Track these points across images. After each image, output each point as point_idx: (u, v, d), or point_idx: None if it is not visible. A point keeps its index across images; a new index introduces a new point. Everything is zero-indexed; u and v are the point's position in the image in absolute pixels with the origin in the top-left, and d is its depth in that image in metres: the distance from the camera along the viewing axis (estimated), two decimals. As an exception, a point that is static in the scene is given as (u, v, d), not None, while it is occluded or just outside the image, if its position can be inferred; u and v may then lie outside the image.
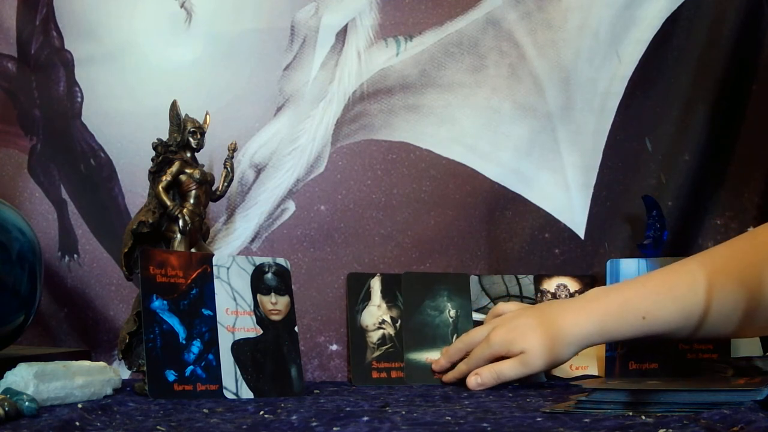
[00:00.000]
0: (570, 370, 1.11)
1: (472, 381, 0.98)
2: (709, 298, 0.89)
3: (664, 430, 0.66)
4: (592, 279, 1.17)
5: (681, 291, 0.91)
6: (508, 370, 0.96)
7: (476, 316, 1.12)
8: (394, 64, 1.21)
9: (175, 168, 1.00)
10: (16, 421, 0.73)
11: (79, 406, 0.78)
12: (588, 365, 1.12)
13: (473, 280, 1.14)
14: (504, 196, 1.21)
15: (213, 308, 0.95)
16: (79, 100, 1.20)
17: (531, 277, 1.16)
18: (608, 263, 1.10)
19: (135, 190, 1.18)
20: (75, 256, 1.19)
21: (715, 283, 0.90)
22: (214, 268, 0.96)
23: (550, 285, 1.16)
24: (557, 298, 1.15)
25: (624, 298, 0.94)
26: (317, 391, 1.00)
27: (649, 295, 0.92)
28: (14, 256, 0.93)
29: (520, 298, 1.14)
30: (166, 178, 0.99)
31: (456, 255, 1.20)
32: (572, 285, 1.16)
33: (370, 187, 1.20)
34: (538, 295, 1.15)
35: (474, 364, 1.00)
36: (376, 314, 1.11)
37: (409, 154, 1.21)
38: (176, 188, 1.00)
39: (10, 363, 0.83)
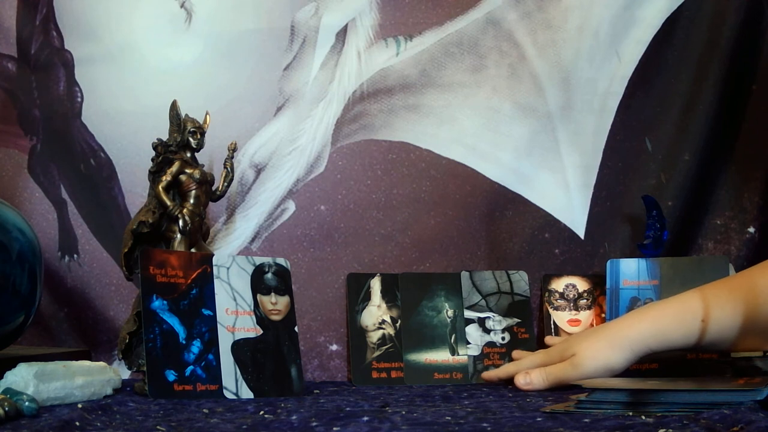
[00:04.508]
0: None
1: (521, 379, 0.96)
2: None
3: (664, 430, 0.66)
4: (601, 278, 1.16)
5: (740, 294, 0.89)
6: (557, 370, 0.95)
7: (468, 314, 1.11)
8: (394, 64, 1.21)
9: (175, 168, 1.00)
10: (16, 421, 0.73)
11: (79, 406, 0.78)
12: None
13: (464, 276, 1.13)
14: (504, 196, 1.21)
15: (213, 308, 0.95)
16: (79, 100, 1.20)
17: (522, 273, 1.15)
18: (608, 263, 1.10)
19: (135, 190, 1.18)
20: (75, 256, 1.19)
21: None
22: (214, 268, 0.96)
23: (559, 285, 1.16)
24: (565, 298, 1.14)
25: (681, 301, 0.93)
26: (317, 391, 1.00)
27: (707, 297, 0.91)
28: (14, 256, 0.93)
29: (512, 294, 1.13)
30: (166, 178, 0.99)
31: (456, 255, 1.20)
32: (581, 285, 1.16)
33: (370, 187, 1.20)
34: (546, 295, 1.15)
35: (524, 367, 0.98)
36: (376, 314, 1.11)
37: (409, 154, 1.21)
38: (176, 188, 1.00)
39: (10, 363, 0.83)
